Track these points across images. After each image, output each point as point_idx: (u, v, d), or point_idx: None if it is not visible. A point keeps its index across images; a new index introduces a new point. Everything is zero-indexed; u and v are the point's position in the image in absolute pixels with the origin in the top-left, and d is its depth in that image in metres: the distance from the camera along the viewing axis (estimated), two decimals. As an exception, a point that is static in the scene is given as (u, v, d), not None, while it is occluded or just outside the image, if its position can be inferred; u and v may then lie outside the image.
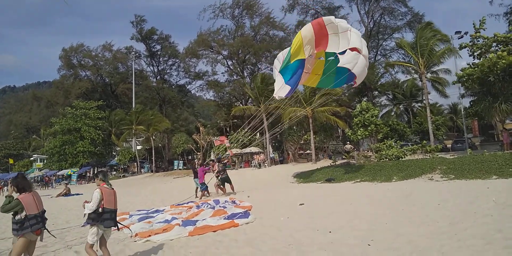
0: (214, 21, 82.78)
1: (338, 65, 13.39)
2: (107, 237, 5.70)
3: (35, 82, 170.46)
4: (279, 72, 14.67)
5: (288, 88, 14.33)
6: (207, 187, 15.73)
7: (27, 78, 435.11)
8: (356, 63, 13.28)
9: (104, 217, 5.45)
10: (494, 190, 9.56)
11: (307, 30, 13.34)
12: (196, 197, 15.81)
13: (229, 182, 15.63)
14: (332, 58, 14.70)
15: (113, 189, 5.76)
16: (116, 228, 5.82)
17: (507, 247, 5.03)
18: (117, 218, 10.51)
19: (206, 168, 16.98)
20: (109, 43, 58.89)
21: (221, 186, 15.71)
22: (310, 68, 15.10)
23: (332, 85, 15.90)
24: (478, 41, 21.65)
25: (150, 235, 7.95)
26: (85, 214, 5.47)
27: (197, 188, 16.51)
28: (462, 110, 35.63)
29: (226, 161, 16.85)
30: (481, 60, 21.12)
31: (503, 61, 19.09)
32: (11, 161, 61.65)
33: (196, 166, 19.85)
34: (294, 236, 7.01)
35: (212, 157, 40.74)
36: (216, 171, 16.02)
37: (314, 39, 13.34)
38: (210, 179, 16.04)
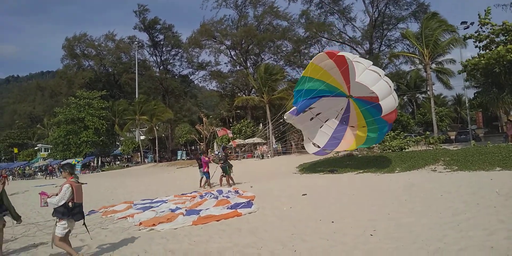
0: (217, 11, 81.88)
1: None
2: (72, 229, 5.74)
3: (38, 72, 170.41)
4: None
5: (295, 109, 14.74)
6: (209, 176, 15.80)
7: (30, 68, 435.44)
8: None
9: (74, 212, 5.49)
10: (498, 181, 9.55)
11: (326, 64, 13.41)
12: (200, 187, 15.93)
13: (227, 172, 15.55)
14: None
15: (79, 182, 5.77)
16: (83, 221, 5.81)
17: (509, 238, 5.05)
18: (122, 207, 10.74)
19: (206, 157, 16.99)
20: (111, 32, 58.68)
21: (224, 176, 15.77)
22: (355, 119, 14.90)
23: (377, 139, 15.17)
24: (484, 31, 21.35)
25: (154, 224, 8.03)
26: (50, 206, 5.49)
27: (202, 178, 16.65)
28: (467, 101, 35.44)
29: (229, 151, 16.92)
30: (487, 51, 20.84)
31: (511, 55, 18.80)
32: (15, 150, 62.07)
33: (199, 156, 20.03)
34: (296, 226, 7.06)
35: (215, 148, 40.92)
36: (217, 160, 16.13)
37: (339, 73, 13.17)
38: (214, 172, 16.12)
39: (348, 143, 15.59)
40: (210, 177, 15.93)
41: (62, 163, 6.28)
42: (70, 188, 5.45)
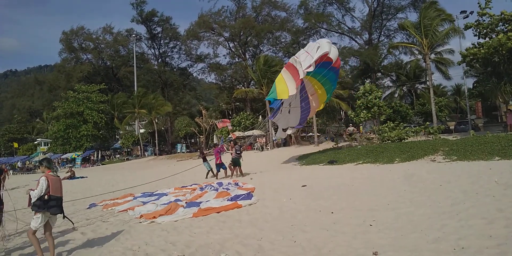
0: (215, 2, 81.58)
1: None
2: (52, 224, 5.72)
3: (36, 66, 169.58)
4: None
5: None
6: (222, 167, 15.93)
7: (28, 62, 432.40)
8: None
9: (50, 204, 5.46)
10: (496, 171, 9.57)
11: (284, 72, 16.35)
12: (206, 178, 16.26)
13: (239, 165, 15.76)
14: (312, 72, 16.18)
15: (58, 176, 5.77)
16: (62, 215, 5.79)
17: (508, 227, 5.08)
18: (122, 200, 10.78)
19: (219, 148, 17.25)
20: (109, 25, 58.29)
21: (231, 167, 15.92)
22: (312, 89, 17.83)
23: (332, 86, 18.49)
24: (484, 20, 21.21)
25: (155, 217, 8.07)
26: (31, 202, 5.47)
27: (208, 171, 16.79)
28: (466, 91, 35.37)
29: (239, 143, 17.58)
30: (487, 40, 20.74)
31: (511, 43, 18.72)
32: (15, 145, 62.03)
33: (203, 151, 20.32)
34: (296, 217, 7.10)
35: (215, 140, 40.95)
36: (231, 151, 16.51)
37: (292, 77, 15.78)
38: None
39: (316, 107, 18.83)
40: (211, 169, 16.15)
41: (41, 158, 6.30)
42: (46, 180, 5.45)
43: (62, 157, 47.91)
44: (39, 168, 5.75)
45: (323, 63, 15.84)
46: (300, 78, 15.35)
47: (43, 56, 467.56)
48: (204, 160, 17.29)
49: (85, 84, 51.47)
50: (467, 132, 24.38)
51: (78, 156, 45.42)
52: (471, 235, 4.94)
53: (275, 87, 15.95)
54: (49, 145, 56.23)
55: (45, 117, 67.19)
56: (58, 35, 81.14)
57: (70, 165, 38.15)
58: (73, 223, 6.48)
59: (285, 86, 15.70)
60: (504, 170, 9.59)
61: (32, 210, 5.53)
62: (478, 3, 21.36)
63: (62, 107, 48.73)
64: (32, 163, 49.31)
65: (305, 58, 15.47)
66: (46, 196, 5.42)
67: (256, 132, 36.48)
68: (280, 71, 35.35)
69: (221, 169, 16.04)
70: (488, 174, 9.15)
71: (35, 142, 66.03)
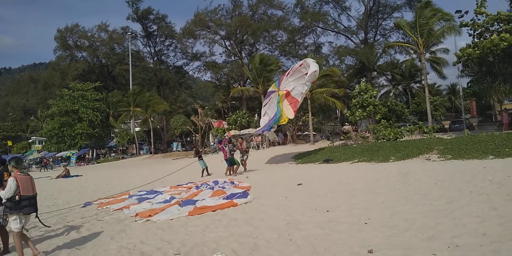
0: (212, 0, 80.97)
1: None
2: (26, 224, 5.67)
3: (31, 64, 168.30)
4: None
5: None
6: (230, 163, 15.85)
7: (22, 60, 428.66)
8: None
9: (22, 205, 5.39)
10: (490, 169, 9.64)
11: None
12: (202, 176, 16.31)
13: (235, 163, 15.84)
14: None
15: (28, 175, 5.70)
16: (35, 215, 5.72)
17: (501, 225, 5.13)
18: (118, 199, 10.75)
19: (223, 142, 17.26)
20: (104, 23, 57.88)
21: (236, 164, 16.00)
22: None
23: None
24: (479, 19, 21.32)
25: (150, 215, 8.06)
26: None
27: (203, 169, 16.86)
28: (461, 90, 35.55)
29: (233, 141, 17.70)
30: (482, 40, 20.85)
31: (505, 43, 18.83)
32: (9, 143, 61.70)
33: (200, 149, 20.31)
34: (292, 215, 7.11)
35: (211, 138, 40.89)
36: (242, 147, 16.70)
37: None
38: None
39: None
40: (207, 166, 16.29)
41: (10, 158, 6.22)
42: (15, 181, 5.35)
43: (56, 155, 47.69)
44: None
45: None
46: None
47: (38, 54, 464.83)
48: (200, 158, 17.27)
49: (80, 82, 51.20)
50: (461, 131, 24.53)
51: (73, 155, 45.23)
52: (465, 233, 4.98)
53: (280, 114, 17.00)
54: (43, 143, 55.95)
55: (39, 115, 66.82)
56: (53, 32, 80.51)
57: (64, 163, 37.91)
58: (44, 225, 6.40)
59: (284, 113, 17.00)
60: (498, 168, 9.66)
61: (5, 212, 5.46)
62: (477, 3, 21.41)
63: (56, 105, 48.45)
64: (26, 161, 49.01)
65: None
66: (17, 197, 5.34)
67: (252, 130, 36.47)
68: (275, 69, 35.87)
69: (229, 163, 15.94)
70: (482, 173, 9.21)
71: (30, 141, 65.69)
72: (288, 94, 17.32)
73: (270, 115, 18.13)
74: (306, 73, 16.46)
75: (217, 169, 18.06)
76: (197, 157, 17.58)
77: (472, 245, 4.49)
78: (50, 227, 7.17)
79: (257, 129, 18.86)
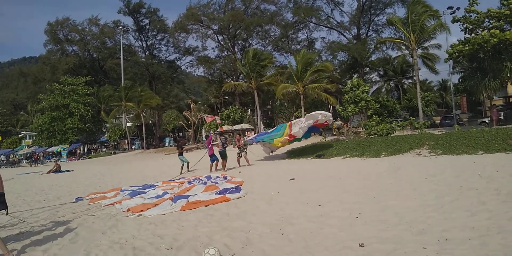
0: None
1: None
2: None
3: (20, 58, 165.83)
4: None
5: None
6: (222, 156, 15.58)
7: (12, 53, 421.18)
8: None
9: None
10: (480, 164, 9.77)
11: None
12: (181, 173, 15.78)
13: (225, 158, 15.62)
14: None
15: None
16: (6, 212, 5.62)
17: (490, 219, 5.21)
18: (110, 194, 10.69)
19: (209, 138, 17.07)
20: (95, 17, 57.19)
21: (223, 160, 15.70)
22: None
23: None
24: (471, 16, 21.47)
25: (142, 210, 8.03)
26: None
27: (183, 165, 16.56)
28: (452, 86, 35.86)
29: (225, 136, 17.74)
30: (473, 36, 21.03)
31: (495, 39, 19.02)
32: (-1, 138, 60.89)
33: (182, 143, 20.22)
34: (284, 210, 7.14)
35: (204, 134, 40.80)
36: (240, 144, 16.64)
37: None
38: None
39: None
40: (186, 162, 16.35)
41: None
42: None
43: (47, 150, 47.23)
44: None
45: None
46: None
47: (28, 47, 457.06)
48: (181, 154, 17.06)
49: (71, 76, 50.60)
50: (452, 127, 24.79)
51: (64, 150, 44.81)
52: (454, 227, 5.04)
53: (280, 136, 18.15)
54: (34, 138, 55.38)
55: (29, 110, 66.02)
56: (43, 26, 79.21)
57: (55, 158, 37.59)
58: (20, 220, 6.32)
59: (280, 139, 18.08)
60: (487, 163, 9.80)
61: None
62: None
63: (47, 99, 47.88)
64: (17, 156, 48.48)
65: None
66: None
67: (244, 125, 36.48)
68: (269, 65, 36.10)
69: (215, 160, 15.62)
70: (472, 168, 9.33)
71: (20, 135, 64.93)
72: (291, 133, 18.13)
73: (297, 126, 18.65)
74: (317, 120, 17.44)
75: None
76: (178, 153, 17.30)
77: (462, 238, 4.55)
78: (24, 221, 7.07)
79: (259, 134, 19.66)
